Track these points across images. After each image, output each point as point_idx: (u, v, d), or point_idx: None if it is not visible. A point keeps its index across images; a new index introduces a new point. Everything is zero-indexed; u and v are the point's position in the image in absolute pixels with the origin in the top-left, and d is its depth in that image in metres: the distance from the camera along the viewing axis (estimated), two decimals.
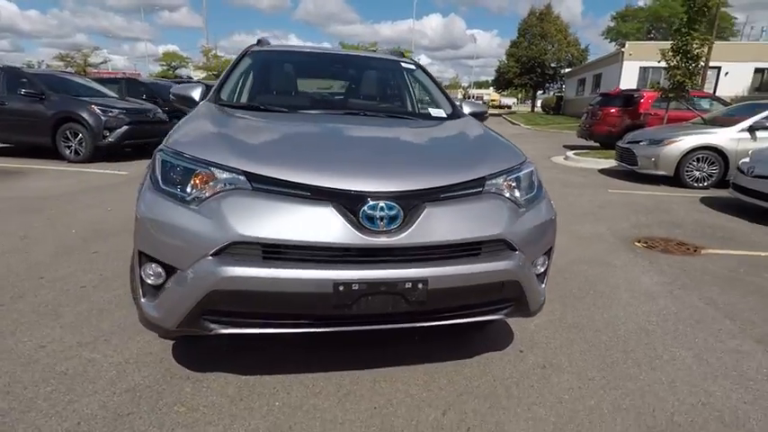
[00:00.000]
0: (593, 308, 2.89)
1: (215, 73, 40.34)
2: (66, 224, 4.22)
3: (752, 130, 6.97)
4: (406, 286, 1.54)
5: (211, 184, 1.63)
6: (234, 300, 1.53)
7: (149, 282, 1.68)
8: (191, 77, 31.07)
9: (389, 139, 2.25)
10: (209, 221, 1.52)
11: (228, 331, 1.64)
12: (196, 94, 2.66)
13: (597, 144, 12.30)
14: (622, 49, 23.69)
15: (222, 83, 2.74)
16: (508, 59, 43.66)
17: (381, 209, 1.54)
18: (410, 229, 1.55)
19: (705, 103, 11.51)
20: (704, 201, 6.34)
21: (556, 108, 37.46)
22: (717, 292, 3.19)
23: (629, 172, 8.06)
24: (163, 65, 49.25)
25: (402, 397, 1.93)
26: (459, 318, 1.78)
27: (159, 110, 8.96)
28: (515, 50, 42.37)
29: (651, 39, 41.76)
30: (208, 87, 2.88)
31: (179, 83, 13.71)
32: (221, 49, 50.09)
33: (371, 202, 1.54)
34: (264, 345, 2.22)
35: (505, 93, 60.35)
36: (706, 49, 9.72)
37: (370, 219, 1.53)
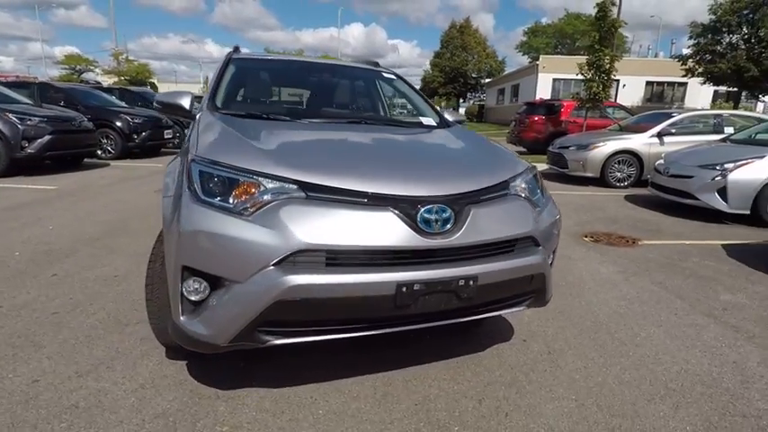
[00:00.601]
0: (570, 297, 3.20)
1: (128, 78, 37.40)
2: (6, 246, 3.75)
3: (660, 135, 8.02)
4: (460, 284, 1.65)
5: (258, 193, 1.61)
6: (297, 308, 1.52)
7: (192, 298, 1.61)
8: (99, 83, 28.57)
9: (413, 147, 2.36)
10: (269, 231, 1.51)
11: (282, 342, 1.63)
12: (186, 102, 2.55)
13: (525, 150, 13.30)
14: (537, 62, 25.86)
15: (214, 91, 2.66)
16: (433, 69, 45.58)
17: (437, 212, 1.63)
18: (462, 230, 1.66)
19: (614, 112, 12.99)
20: (628, 198, 7.17)
21: (478, 116, 39.79)
22: (663, 277, 3.67)
23: (560, 174, 8.86)
24: (65, 68, 44.63)
25: (436, 392, 2.02)
26: (495, 310, 1.93)
27: (84, 118, 8.20)
28: (439, 61, 44.41)
29: (558, 53, 46.07)
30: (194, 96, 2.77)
31: (100, 89, 12.64)
32: (131, 53, 46.48)
33: (428, 206, 1.63)
34: (283, 356, 2.19)
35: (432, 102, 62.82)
36: (616, 64, 10.98)
37: (427, 222, 1.61)
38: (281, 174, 1.63)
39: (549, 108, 13.40)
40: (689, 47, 22.10)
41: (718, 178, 5.49)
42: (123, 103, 10.99)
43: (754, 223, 5.46)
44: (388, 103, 3.80)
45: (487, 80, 43.23)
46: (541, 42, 44.54)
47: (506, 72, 38.30)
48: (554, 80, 25.26)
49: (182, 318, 1.64)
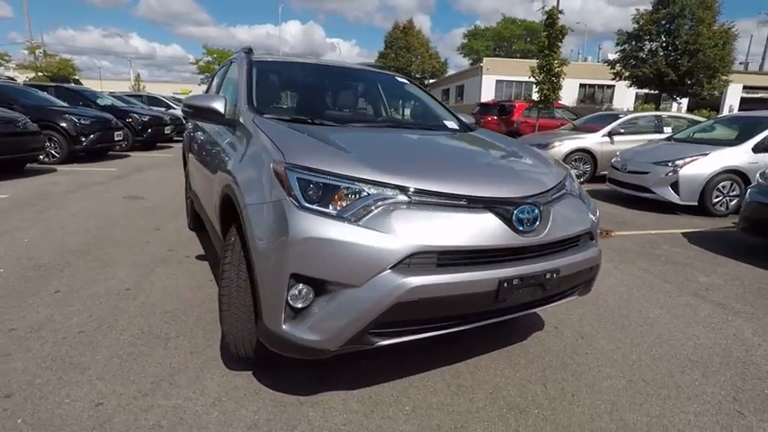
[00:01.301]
0: None
1: (49, 75, 34.15)
2: None
3: (610, 135, 8.76)
4: (546, 276, 1.79)
5: (361, 199, 1.65)
6: (412, 309, 1.58)
7: (298, 305, 1.62)
8: (12, 78, 25.80)
9: (476, 151, 2.50)
10: (384, 235, 1.55)
11: (388, 342, 1.68)
12: (220, 106, 2.47)
13: None
14: (481, 64, 27.00)
15: (250, 95, 2.59)
16: None
17: (527, 212, 1.76)
18: (547, 228, 1.81)
19: (560, 113, 13.92)
20: (589, 193, 7.77)
21: None
22: (646, 264, 4.08)
23: None
24: None
25: (503, 380, 2.16)
26: (562, 298, 2.09)
27: (27, 119, 7.47)
28: (384, 61, 44.78)
29: (497, 56, 48.35)
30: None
31: (37, 87, 11.48)
32: (46, 47, 42.21)
33: (521, 207, 1.76)
34: (350, 360, 2.22)
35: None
36: (564, 68, 11.79)
37: (521, 221, 1.74)
38: (382, 179, 1.68)
39: (502, 109, 14.09)
40: (616, 52, 24.10)
41: (671, 174, 6.14)
42: (64, 103, 10.10)
43: (700, 213, 6.17)
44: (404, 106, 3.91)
45: (431, 81, 44.33)
46: (481, 45, 46.42)
47: (451, 73, 39.54)
48: (497, 82, 26.51)
49: (284, 326, 1.64)
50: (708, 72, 20.78)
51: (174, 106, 16.89)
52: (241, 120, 2.37)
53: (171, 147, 13.53)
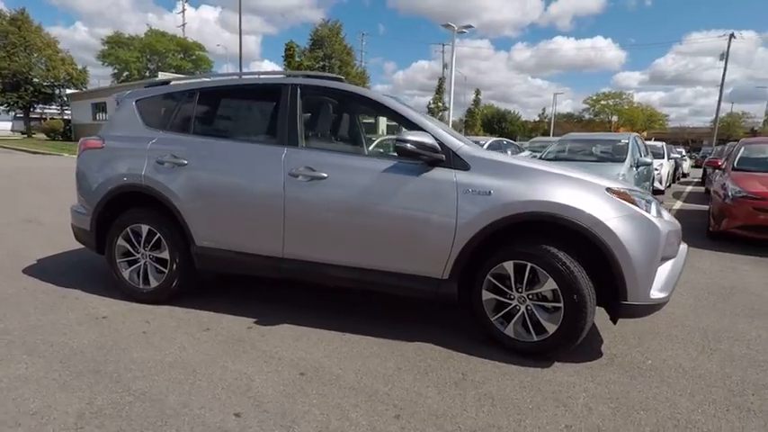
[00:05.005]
0: None
1: None
2: None
3: None
4: None
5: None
6: None
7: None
8: None
9: None
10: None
11: None
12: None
13: None
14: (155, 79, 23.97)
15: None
16: None
17: None
18: None
19: None
20: None
21: (64, 133, 32.37)
22: None
23: None
24: None
25: (619, 388, 2.35)
26: None
27: None
28: None
29: (149, 69, 43.78)
30: None
31: None
32: None
33: None
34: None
35: None
36: None
37: None
38: None
39: None
40: None
41: None
42: None
43: None
44: None
45: (71, 91, 35.57)
46: (131, 56, 40.87)
47: (106, 85, 32.90)
48: None
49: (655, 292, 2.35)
50: None
51: None
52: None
53: None
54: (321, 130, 3.20)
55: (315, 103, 3.15)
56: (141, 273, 3.20)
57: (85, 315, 2.97)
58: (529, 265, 2.45)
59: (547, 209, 2.39)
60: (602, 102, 54.53)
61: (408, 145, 2.47)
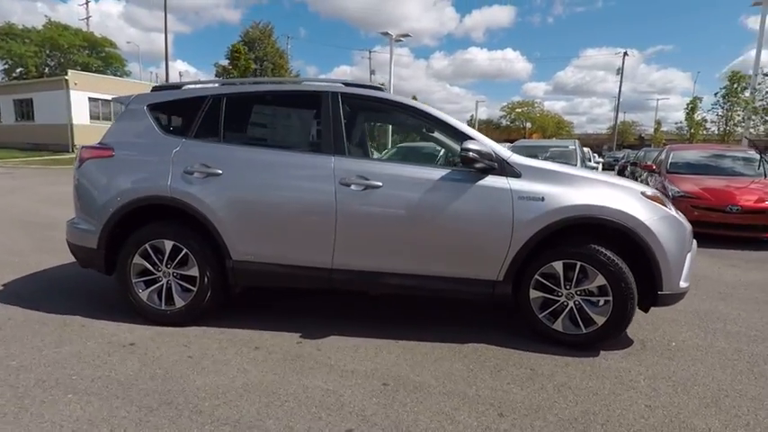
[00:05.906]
0: None
1: None
2: None
3: None
4: None
5: None
6: None
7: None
8: None
9: None
10: None
11: None
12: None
13: None
14: (66, 77, 21.48)
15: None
16: None
17: None
18: None
19: None
20: None
21: None
22: None
23: None
24: None
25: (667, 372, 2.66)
26: None
27: None
28: None
29: (49, 66, 39.01)
30: None
31: None
32: None
33: None
34: None
35: None
36: None
37: None
38: None
39: None
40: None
41: None
42: None
43: None
44: None
45: None
46: (28, 50, 35.99)
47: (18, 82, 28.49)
48: (90, 99, 21.94)
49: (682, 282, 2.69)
50: None
51: None
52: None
53: None
54: (363, 139, 3.18)
55: (357, 112, 3.13)
56: (164, 293, 2.94)
57: (108, 344, 2.67)
58: (579, 263, 2.67)
59: (598, 213, 2.63)
60: (518, 110, 58.89)
61: (471, 153, 2.57)
